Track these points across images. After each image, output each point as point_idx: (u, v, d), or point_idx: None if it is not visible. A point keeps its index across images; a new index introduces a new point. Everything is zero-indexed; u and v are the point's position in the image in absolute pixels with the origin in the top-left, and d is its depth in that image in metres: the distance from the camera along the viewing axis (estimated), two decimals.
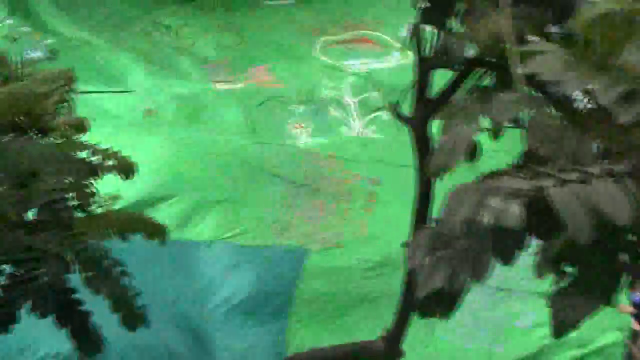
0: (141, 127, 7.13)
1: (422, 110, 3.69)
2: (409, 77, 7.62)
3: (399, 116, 3.78)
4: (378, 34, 8.57)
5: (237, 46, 8.38)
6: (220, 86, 7.99)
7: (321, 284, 5.60)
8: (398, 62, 8.23)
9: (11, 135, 3.60)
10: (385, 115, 7.53)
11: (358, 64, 8.21)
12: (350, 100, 7.77)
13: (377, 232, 5.98)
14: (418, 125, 3.71)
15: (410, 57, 8.15)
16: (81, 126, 4.05)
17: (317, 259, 5.77)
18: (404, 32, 8.40)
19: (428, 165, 2.76)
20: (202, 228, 6.06)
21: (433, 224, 2.78)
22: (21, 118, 3.82)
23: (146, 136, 6.73)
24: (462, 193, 2.34)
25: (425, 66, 3.62)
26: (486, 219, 2.25)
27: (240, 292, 5.61)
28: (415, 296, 2.55)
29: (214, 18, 8.64)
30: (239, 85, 7.85)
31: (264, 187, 6.48)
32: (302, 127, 7.57)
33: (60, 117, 4.01)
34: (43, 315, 3.71)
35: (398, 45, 8.29)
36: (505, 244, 2.36)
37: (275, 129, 7.52)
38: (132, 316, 3.76)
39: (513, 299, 5.27)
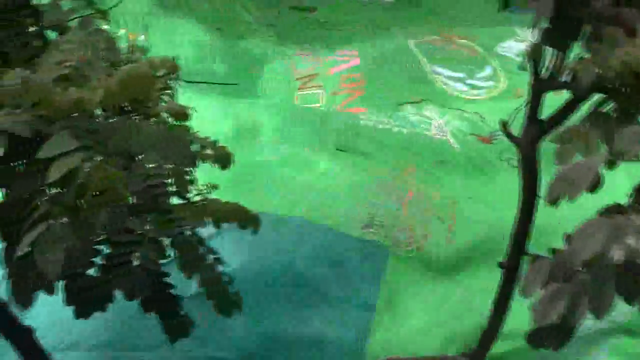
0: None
1: (532, 132, 3.63)
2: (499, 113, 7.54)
3: (507, 135, 3.73)
4: (471, 43, 8.42)
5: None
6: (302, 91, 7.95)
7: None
8: (490, 89, 8.01)
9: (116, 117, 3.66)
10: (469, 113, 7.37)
11: (451, 73, 8.02)
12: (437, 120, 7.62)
13: (461, 243, 5.92)
14: (527, 146, 3.65)
15: (501, 88, 8.07)
16: (183, 114, 4.07)
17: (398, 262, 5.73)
18: (500, 50, 8.27)
19: (548, 192, 2.71)
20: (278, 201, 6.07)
21: (550, 254, 2.75)
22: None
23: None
24: (594, 227, 2.30)
25: (540, 87, 3.56)
26: (618, 255, 2.21)
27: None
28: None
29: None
30: (321, 105, 7.76)
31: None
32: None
33: (163, 104, 4.06)
34: (132, 298, 3.78)
35: (490, 57, 8.16)
36: (633, 283, 2.31)
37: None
38: (227, 303, 3.82)
39: (580, 338, 5.14)
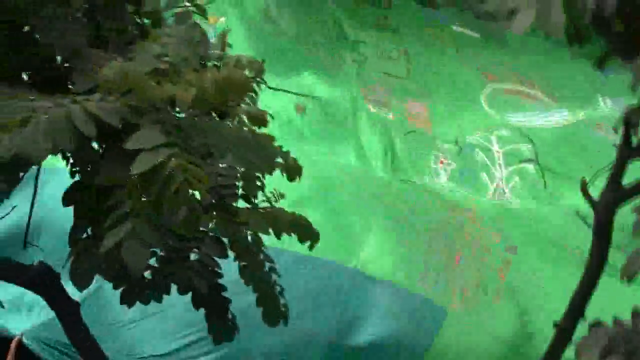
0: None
1: (611, 196, 3.55)
2: (571, 139, 7.47)
3: (585, 195, 3.66)
4: (549, 99, 8.34)
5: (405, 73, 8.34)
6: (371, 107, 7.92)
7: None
8: (564, 120, 7.96)
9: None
10: (531, 168, 7.33)
11: (521, 118, 7.98)
12: (497, 149, 7.57)
13: (511, 303, 5.86)
14: (602, 210, 3.57)
15: (579, 116, 7.98)
16: (262, 119, 4.07)
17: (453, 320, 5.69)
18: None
19: (626, 265, 2.66)
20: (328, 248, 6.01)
21: (613, 324, 2.70)
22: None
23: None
24: None
25: (628, 154, 3.48)
26: None
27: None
28: None
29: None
30: (389, 116, 7.74)
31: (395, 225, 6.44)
32: (445, 162, 7.43)
33: (243, 106, 4.07)
34: (185, 292, 3.82)
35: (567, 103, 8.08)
36: None
37: (416, 160, 7.40)
38: (275, 313, 3.85)
39: None
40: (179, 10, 4.23)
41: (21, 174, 3.62)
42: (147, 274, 3.75)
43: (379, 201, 6.59)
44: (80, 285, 3.41)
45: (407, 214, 6.46)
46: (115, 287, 3.75)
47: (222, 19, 8.10)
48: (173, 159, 2.84)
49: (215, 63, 4.24)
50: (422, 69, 8.35)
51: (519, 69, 8.58)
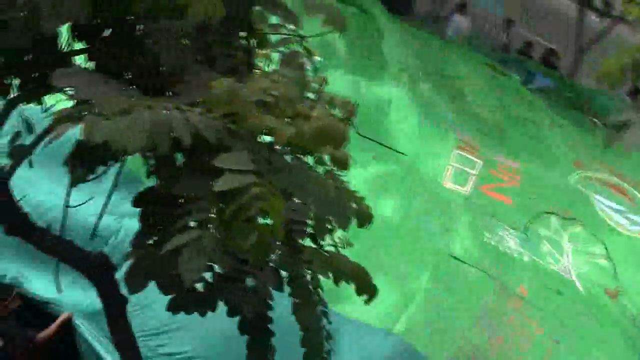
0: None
1: None
2: None
3: None
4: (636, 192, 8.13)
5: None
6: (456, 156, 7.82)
7: None
8: None
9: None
10: (602, 262, 7.09)
11: (608, 204, 7.75)
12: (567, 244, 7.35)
13: None
14: None
15: None
16: (344, 163, 4.06)
17: None
18: None
19: None
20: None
21: None
22: None
23: None
24: None
25: None
26: None
27: None
28: None
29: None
30: (468, 189, 7.66)
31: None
32: (509, 234, 7.30)
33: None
34: (234, 314, 3.83)
35: None
36: None
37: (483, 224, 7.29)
38: (316, 356, 3.82)
39: None
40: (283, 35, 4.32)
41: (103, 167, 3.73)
42: (199, 286, 3.78)
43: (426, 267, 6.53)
44: (133, 288, 3.46)
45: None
46: (164, 293, 3.78)
47: (318, 57, 8.19)
48: (255, 187, 2.88)
49: (312, 97, 4.28)
50: (516, 135, 8.30)
51: (608, 158, 8.41)
